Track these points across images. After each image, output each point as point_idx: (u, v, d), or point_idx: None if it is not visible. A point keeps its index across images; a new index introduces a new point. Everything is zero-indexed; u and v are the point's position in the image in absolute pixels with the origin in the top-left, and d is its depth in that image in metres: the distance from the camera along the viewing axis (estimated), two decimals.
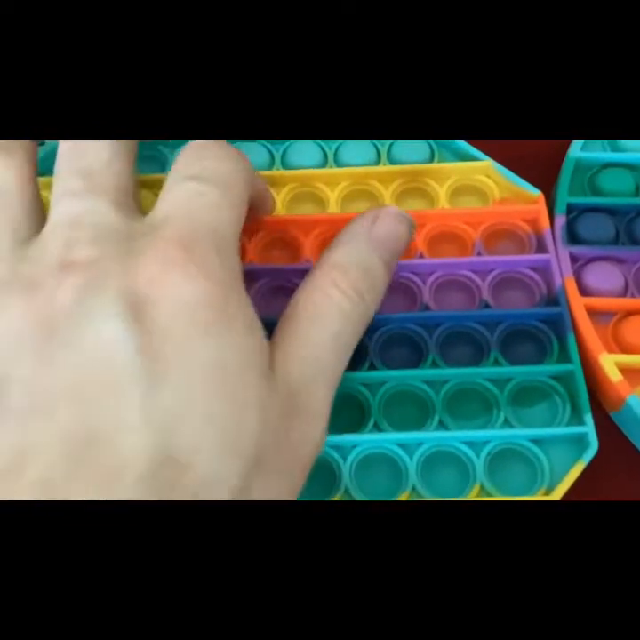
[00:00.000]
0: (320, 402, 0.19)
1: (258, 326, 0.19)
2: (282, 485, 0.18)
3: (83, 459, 0.15)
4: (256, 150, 0.27)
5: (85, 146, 0.20)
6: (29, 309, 0.17)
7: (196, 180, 0.19)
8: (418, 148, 0.27)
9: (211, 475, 0.16)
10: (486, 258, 0.25)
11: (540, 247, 0.25)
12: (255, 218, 0.25)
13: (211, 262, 0.18)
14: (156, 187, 0.26)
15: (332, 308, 0.19)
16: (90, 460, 0.15)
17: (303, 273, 0.22)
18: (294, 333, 0.19)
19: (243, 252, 0.25)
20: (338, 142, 0.27)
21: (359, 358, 0.23)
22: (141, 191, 0.25)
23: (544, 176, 0.27)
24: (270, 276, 0.25)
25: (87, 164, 0.20)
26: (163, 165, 0.27)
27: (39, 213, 0.20)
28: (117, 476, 0.15)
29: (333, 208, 0.26)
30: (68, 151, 0.20)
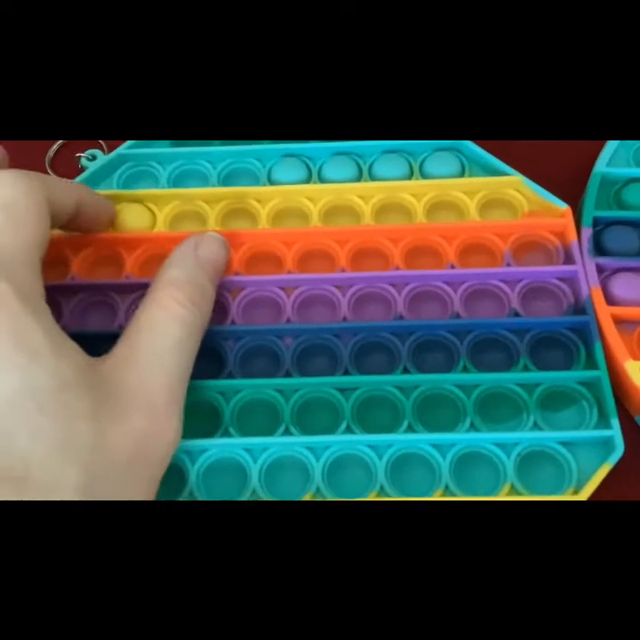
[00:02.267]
0: (166, 404, 0.21)
1: (69, 347, 0.20)
2: (134, 485, 0.20)
3: None
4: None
5: None
6: None
7: None
8: (449, 161, 0.28)
9: (49, 482, 0.18)
10: (515, 268, 0.26)
11: (568, 258, 0.26)
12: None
13: None
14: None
15: (173, 319, 0.21)
16: None
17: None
18: (138, 345, 0.21)
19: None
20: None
21: (392, 363, 0.24)
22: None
23: (571, 191, 0.28)
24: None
25: None
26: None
27: None
28: None
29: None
30: None
